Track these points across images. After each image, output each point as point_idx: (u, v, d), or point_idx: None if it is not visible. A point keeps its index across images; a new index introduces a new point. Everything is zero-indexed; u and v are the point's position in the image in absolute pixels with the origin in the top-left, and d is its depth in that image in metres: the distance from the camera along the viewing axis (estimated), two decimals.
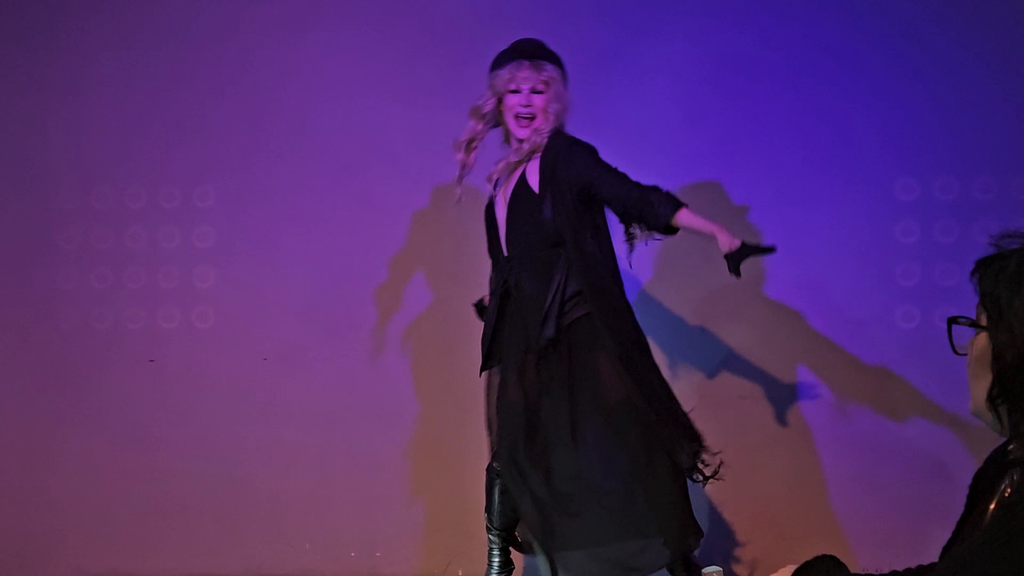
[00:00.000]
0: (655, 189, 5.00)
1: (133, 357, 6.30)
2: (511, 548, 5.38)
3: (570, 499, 5.00)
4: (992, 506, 2.13)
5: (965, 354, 2.18)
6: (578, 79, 5.38)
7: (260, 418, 6.24)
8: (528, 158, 5.18)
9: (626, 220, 5.11)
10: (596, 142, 5.15)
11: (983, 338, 2.13)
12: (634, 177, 5.03)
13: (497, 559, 5.38)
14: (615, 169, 5.06)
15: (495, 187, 5.30)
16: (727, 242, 4.89)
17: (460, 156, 5.28)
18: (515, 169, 5.23)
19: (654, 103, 6.13)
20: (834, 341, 6.04)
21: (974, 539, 2.01)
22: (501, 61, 5.23)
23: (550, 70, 5.19)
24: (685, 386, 5.82)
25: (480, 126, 5.26)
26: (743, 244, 4.88)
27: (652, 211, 4.97)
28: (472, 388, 6.11)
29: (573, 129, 5.23)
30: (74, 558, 6.26)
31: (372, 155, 6.25)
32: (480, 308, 5.48)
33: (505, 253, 5.20)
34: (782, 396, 6.05)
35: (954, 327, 2.19)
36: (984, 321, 2.12)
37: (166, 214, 6.34)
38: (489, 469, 5.31)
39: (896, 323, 6.05)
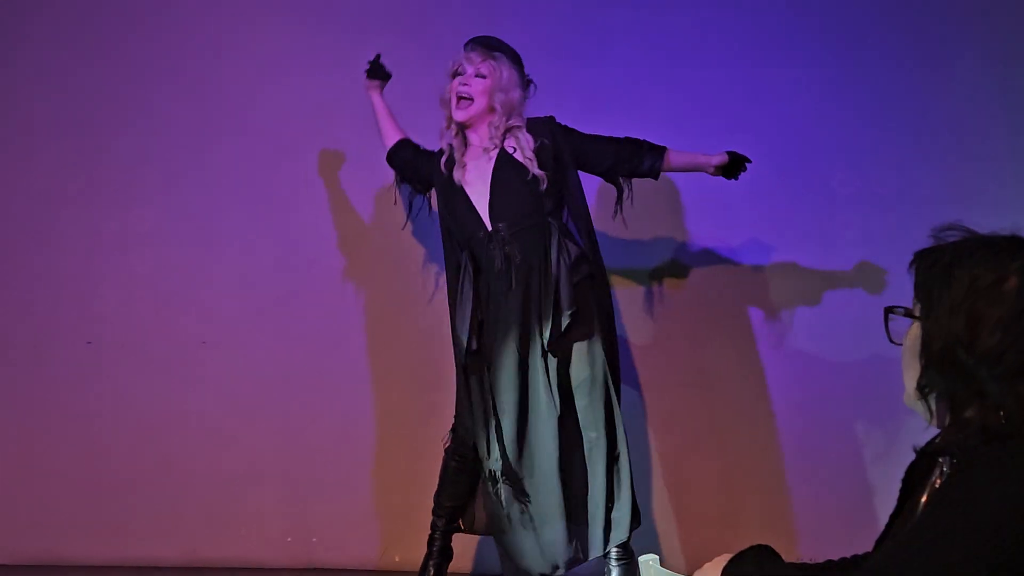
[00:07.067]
0: (636, 140, 5.27)
1: (70, 339, 6.25)
2: (452, 535, 5.35)
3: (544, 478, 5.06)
4: (923, 498, 2.15)
5: (901, 344, 2.20)
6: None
7: (196, 402, 6.20)
8: (502, 140, 5.15)
9: (615, 176, 5.31)
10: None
11: (916, 328, 2.15)
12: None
13: (438, 544, 5.33)
14: (596, 135, 5.27)
15: (450, 167, 5.21)
16: (718, 163, 5.29)
17: (445, 142, 5.25)
18: (479, 151, 5.19)
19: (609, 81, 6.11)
20: (775, 332, 6.05)
21: (906, 531, 2.02)
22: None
23: (502, 60, 5.16)
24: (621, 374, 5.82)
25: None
26: (731, 158, 5.27)
27: (641, 159, 5.25)
28: (408, 374, 6.10)
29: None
30: (5, 540, 6.21)
31: (310, 138, 6.21)
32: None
33: (488, 228, 5.12)
34: (722, 385, 6.05)
35: (891, 318, 2.20)
36: (918, 312, 2.14)
37: (104, 197, 6.28)
38: (449, 450, 5.25)
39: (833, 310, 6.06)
